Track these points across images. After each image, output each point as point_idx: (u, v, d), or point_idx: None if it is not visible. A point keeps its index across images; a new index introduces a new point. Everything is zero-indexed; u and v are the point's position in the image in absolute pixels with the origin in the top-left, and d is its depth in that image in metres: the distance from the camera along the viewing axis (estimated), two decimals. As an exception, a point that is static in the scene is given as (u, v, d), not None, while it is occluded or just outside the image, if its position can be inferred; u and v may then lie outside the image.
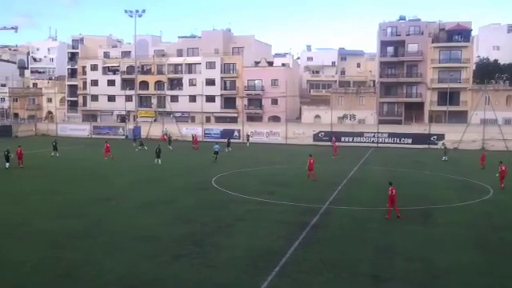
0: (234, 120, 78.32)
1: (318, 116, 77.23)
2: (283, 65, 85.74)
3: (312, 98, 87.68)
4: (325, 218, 23.10)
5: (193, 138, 61.18)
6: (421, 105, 75.00)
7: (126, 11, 77.60)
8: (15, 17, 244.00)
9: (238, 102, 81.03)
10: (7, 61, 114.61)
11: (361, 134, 64.35)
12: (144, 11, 77.84)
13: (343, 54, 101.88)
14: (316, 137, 64.76)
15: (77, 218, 22.53)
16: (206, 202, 26.33)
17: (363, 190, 30.54)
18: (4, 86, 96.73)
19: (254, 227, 21.27)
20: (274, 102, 79.44)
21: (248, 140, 64.34)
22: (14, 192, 28.86)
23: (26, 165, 39.91)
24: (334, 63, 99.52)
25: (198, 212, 24.03)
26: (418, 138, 61.79)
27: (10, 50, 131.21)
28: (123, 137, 71.73)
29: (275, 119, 78.64)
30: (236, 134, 68.82)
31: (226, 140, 57.75)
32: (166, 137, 64.19)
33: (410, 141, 62.29)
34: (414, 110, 74.70)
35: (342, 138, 62.10)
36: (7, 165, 37.83)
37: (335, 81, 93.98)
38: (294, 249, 17.85)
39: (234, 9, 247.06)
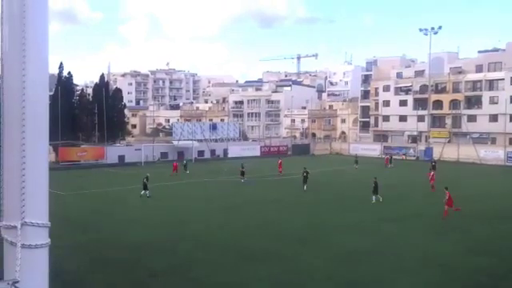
0: (545, 142, 66.95)
1: None
2: None
3: None
4: None
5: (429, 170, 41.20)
6: None
7: (420, 30, 76.12)
8: (318, 44, 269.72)
9: (552, 122, 68.98)
10: (308, 85, 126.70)
11: None
12: (440, 28, 74.89)
13: None
14: None
15: (366, 235, 22.30)
16: (509, 233, 22.54)
17: None
18: (304, 108, 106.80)
19: None
20: None
21: None
22: (315, 205, 30.38)
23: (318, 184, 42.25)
24: None
25: (497, 243, 20.91)
26: None
27: (310, 75, 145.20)
28: (414, 158, 69.56)
29: None
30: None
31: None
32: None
33: None
34: None
35: None
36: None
37: None
38: None
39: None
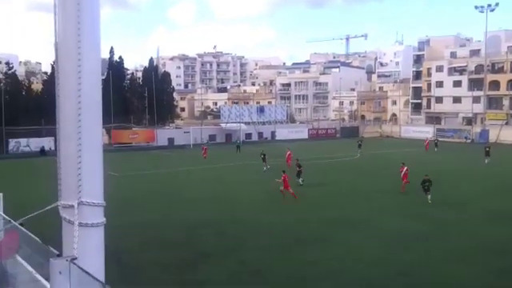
0: None
1: None
2: None
3: None
4: None
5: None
6: None
7: (476, 7, 72.68)
8: (368, 24, 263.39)
9: None
10: (357, 67, 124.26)
11: None
12: (497, 5, 71.10)
13: None
14: None
15: (420, 219, 21.86)
16: None
17: None
18: (353, 90, 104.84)
19: None
20: None
21: None
22: (364, 190, 29.80)
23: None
24: None
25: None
26: None
27: (359, 56, 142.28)
28: (468, 141, 67.08)
29: None
30: None
31: None
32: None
33: None
34: None
35: None
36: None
37: None
38: None
39: None
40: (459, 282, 14.48)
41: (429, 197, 25.24)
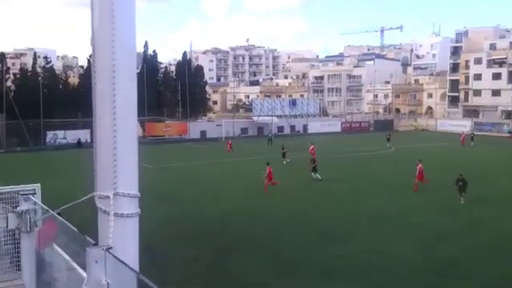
0: None
1: None
2: None
3: None
4: None
5: None
6: None
7: (517, -4, 70.21)
8: (404, 15, 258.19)
9: None
10: (392, 59, 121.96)
11: None
12: (540, -7, 68.61)
13: None
14: None
15: (452, 216, 21.44)
16: None
17: None
18: (388, 82, 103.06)
19: None
20: None
21: None
22: (396, 185, 29.21)
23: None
24: None
25: None
26: None
27: (394, 48, 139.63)
28: (508, 134, 65.00)
29: None
30: None
31: None
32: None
33: None
34: None
35: None
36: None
37: None
38: None
39: None
40: (490, 279, 14.16)
41: (462, 198, 23.78)
